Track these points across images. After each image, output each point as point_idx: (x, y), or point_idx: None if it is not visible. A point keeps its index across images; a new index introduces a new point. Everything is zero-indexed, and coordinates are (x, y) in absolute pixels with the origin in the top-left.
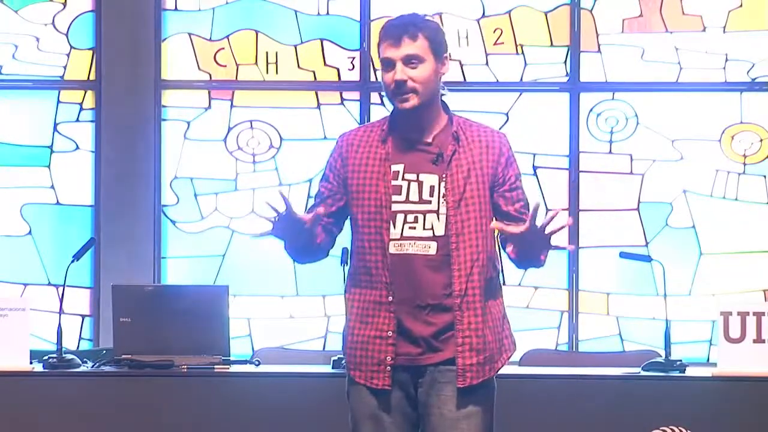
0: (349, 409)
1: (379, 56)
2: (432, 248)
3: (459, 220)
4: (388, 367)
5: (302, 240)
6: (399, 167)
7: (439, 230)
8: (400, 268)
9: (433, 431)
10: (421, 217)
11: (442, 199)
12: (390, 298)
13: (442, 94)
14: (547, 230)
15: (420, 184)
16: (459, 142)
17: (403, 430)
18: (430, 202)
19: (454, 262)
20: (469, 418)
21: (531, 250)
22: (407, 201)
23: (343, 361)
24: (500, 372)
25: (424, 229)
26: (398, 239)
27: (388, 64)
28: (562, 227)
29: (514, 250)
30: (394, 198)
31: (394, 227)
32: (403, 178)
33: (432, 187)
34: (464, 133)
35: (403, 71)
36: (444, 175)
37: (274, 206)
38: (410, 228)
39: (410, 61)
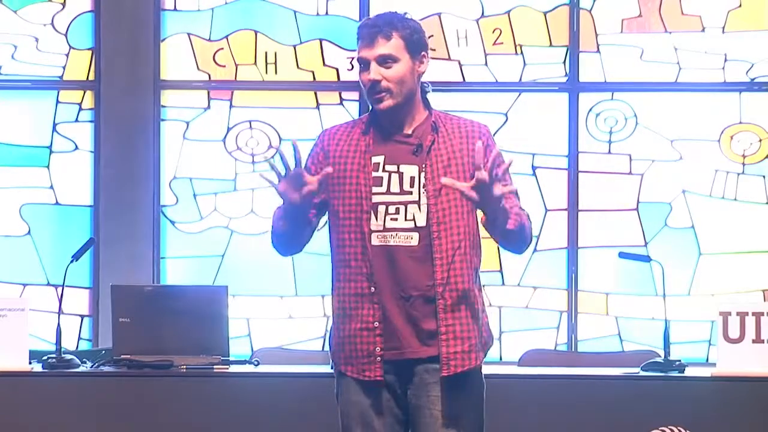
0: (338, 411)
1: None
2: (414, 239)
3: (440, 209)
4: (378, 358)
5: (299, 219)
6: (379, 159)
7: (421, 221)
8: (382, 259)
9: (423, 431)
10: (402, 208)
11: (422, 190)
12: (372, 290)
13: (426, 92)
14: (493, 173)
15: (401, 175)
16: (438, 133)
17: (393, 431)
18: (410, 192)
19: (436, 250)
20: (459, 416)
21: (489, 209)
22: (388, 192)
23: (331, 361)
24: (500, 372)
25: (405, 220)
26: (381, 230)
27: (364, 64)
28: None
29: (485, 223)
30: (375, 189)
31: (376, 219)
32: (383, 170)
33: (412, 178)
34: (443, 125)
35: (377, 71)
36: (424, 166)
37: (284, 159)
38: (392, 219)
39: (385, 61)
